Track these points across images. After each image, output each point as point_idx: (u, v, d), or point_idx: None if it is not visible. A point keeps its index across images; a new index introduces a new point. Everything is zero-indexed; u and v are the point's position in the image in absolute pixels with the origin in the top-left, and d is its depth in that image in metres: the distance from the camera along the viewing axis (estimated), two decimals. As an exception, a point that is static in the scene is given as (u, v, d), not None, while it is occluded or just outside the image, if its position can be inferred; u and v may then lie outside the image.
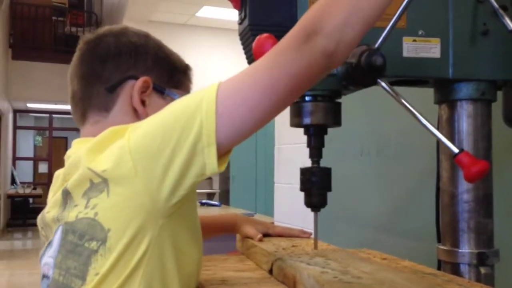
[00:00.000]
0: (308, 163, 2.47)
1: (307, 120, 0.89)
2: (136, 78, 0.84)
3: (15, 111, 11.60)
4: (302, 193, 2.41)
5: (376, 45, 0.80)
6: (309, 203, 0.88)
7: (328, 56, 0.63)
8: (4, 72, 8.92)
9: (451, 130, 0.94)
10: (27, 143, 13.79)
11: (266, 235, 1.06)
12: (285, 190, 2.51)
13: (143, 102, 0.85)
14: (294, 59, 0.63)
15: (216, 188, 7.66)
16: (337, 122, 0.90)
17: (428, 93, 1.00)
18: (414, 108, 0.81)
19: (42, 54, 9.64)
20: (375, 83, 0.83)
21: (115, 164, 0.68)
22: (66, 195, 0.74)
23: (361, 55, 0.79)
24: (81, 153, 0.73)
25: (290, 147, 2.54)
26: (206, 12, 7.19)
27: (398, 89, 1.02)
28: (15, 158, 11.83)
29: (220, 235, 1.15)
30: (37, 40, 9.82)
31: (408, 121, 1.72)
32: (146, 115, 0.80)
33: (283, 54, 0.64)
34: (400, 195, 1.77)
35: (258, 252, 0.94)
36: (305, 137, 2.47)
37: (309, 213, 2.25)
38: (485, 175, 0.73)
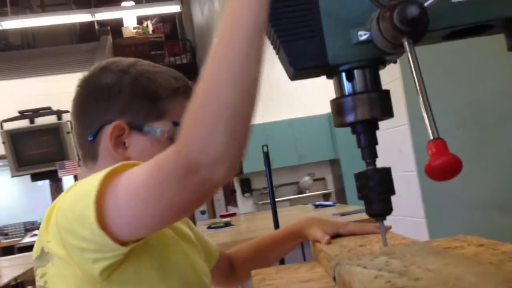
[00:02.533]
0: (408, 145, 2.25)
1: (351, 117, 0.74)
2: (112, 122, 0.84)
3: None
4: (405, 181, 2.22)
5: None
6: (370, 211, 0.73)
7: (215, 183, 0.57)
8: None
9: (534, 78, 0.76)
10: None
11: (338, 235, 0.95)
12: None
13: (124, 144, 0.84)
14: (178, 192, 0.59)
15: (330, 188, 7.52)
16: (387, 113, 0.75)
17: (499, 40, 0.82)
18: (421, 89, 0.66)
19: (148, 88, 10.22)
20: (420, 38, 0.69)
21: (52, 236, 0.71)
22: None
23: (392, 12, 0.66)
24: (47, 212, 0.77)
25: (389, 132, 2.36)
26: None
27: (459, 42, 0.85)
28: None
29: (292, 246, 1.07)
30: (141, 76, 10.44)
31: (505, 79, 1.48)
32: (129, 157, 0.83)
33: (166, 187, 0.59)
34: (509, 167, 1.54)
35: (324, 257, 0.83)
36: (402, 119, 2.26)
37: (418, 202, 2.06)
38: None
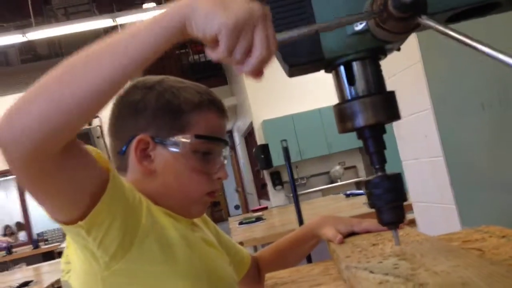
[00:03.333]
0: (433, 130, 2.17)
1: (357, 123, 0.69)
2: (137, 137, 0.86)
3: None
4: (433, 167, 2.15)
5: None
6: (382, 220, 0.68)
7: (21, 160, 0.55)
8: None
9: (548, 55, 0.70)
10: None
11: (353, 233, 0.91)
12: (413, 167, 2.27)
13: (149, 157, 0.86)
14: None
15: (362, 175, 7.43)
16: (393, 115, 0.70)
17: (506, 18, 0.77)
18: (473, 40, 0.60)
19: (175, 88, 10.27)
20: (417, 26, 0.65)
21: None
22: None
23: (389, 12, 0.62)
24: None
25: (412, 118, 2.29)
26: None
27: (464, 23, 0.80)
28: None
29: (310, 245, 1.04)
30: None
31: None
32: (154, 170, 0.86)
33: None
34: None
35: (336, 258, 0.80)
36: (425, 103, 2.19)
37: (446, 187, 1.99)
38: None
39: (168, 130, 0.86)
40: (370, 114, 0.69)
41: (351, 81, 0.71)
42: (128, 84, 0.92)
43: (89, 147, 0.69)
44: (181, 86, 0.89)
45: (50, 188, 0.62)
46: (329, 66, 0.73)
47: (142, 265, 0.75)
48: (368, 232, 0.91)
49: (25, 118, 0.53)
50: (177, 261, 0.80)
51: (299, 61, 0.71)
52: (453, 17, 0.73)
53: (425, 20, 0.63)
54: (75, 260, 0.77)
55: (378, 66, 0.72)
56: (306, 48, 0.70)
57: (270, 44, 0.54)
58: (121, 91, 0.91)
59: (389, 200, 0.67)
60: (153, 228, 0.77)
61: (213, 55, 0.55)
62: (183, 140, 0.85)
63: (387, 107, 0.70)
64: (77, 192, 0.64)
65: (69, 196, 0.64)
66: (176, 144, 0.85)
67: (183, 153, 0.86)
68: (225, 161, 0.92)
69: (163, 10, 0.60)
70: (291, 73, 0.75)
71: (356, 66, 0.71)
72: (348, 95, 0.71)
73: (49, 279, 3.39)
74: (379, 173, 0.69)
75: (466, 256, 0.58)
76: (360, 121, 0.69)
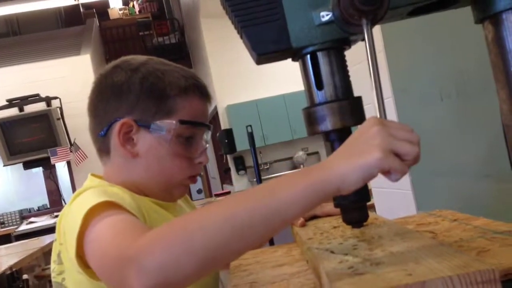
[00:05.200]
0: (393, 118, 2.24)
1: (324, 126, 0.72)
2: (120, 120, 0.86)
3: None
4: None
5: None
6: (347, 220, 0.72)
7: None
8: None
9: (501, 51, 0.75)
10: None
11: (315, 217, 0.94)
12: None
13: (132, 141, 0.86)
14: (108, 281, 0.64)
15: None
16: (359, 119, 0.72)
17: (467, 13, 0.81)
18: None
19: (138, 69, 10.11)
20: (383, 16, 0.68)
21: (63, 240, 0.77)
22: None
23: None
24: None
25: (372, 107, 2.35)
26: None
27: (427, 16, 0.84)
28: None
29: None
30: (130, 58, 10.31)
31: (485, 48, 1.47)
32: (137, 154, 0.86)
33: (104, 273, 0.65)
34: (496, 135, 1.53)
35: (298, 240, 0.83)
36: (386, 92, 2.24)
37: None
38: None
39: (153, 114, 0.86)
40: (337, 119, 0.72)
41: (319, 85, 0.73)
42: (111, 64, 0.91)
43: None
44: (166, 69, 0.89)
45: None
46: (296, 55, 0.76)
47: None
48: (329, 215, 0.94)
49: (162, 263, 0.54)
50: None
51: (267, 49, 0.73)
52: (415, 11, 0.77)
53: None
54: (70, 268, 0.77)
55: (343, 57, 0.75)
56: (274, 37, 0.73)
57: (406, 127, 0.56)
58: (103, 71, 0.91)
59: (355, 201, 0.70)
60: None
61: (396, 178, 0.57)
62: (168, 125, 0.85)
63: (354, 112, 0.73)
64: None
65: None
66: (160, 129, 0.85)
67: (167, 138, 0.86)
68: (207, 145, 0.93)
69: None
70: (259, 61, 0.77)
71: (323, 67, 0.73)
72: (316, 99, 0.73)
73: (7, 262, 3.33)
74: None
75: (419, 238, 0.62)
76: (328, 125, 0.72)
